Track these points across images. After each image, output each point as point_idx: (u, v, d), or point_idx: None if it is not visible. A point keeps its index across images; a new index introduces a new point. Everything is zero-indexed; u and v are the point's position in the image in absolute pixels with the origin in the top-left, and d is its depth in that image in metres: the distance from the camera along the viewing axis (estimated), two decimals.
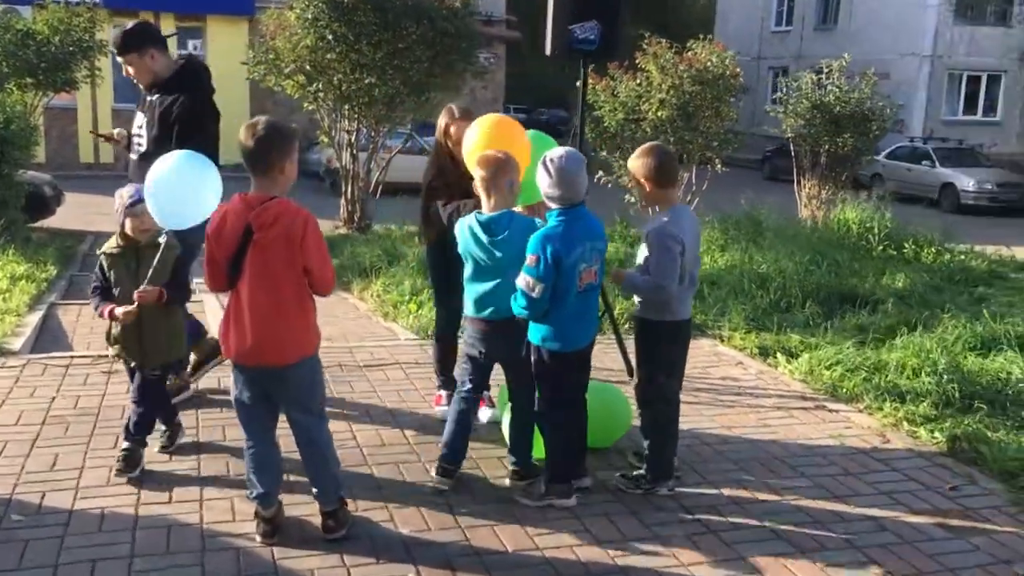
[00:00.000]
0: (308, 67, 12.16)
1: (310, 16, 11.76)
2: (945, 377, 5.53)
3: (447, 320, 5.12)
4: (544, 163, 3.88)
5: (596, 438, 4.48)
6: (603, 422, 4.54)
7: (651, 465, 4.17)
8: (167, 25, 21.57)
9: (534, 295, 3.81)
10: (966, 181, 21.73)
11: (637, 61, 13.15)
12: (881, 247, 10.63)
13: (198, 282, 4.27)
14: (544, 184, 3.89)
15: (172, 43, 6.41)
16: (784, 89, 15.49)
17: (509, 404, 4.31)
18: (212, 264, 3.49)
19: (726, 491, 4.16)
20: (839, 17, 31.60)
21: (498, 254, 3.95)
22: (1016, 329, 6.72)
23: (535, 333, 3.97)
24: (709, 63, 12.69)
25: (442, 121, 4.83)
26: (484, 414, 4.93)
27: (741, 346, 6.66)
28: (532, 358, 4.01)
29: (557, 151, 3.93)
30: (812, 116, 15.18)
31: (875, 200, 12.26)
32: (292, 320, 3.46)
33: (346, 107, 12.74)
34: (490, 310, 4.04)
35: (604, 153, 13.25)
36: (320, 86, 12.24)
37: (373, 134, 13.08)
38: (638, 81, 12.67)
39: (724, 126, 13.92)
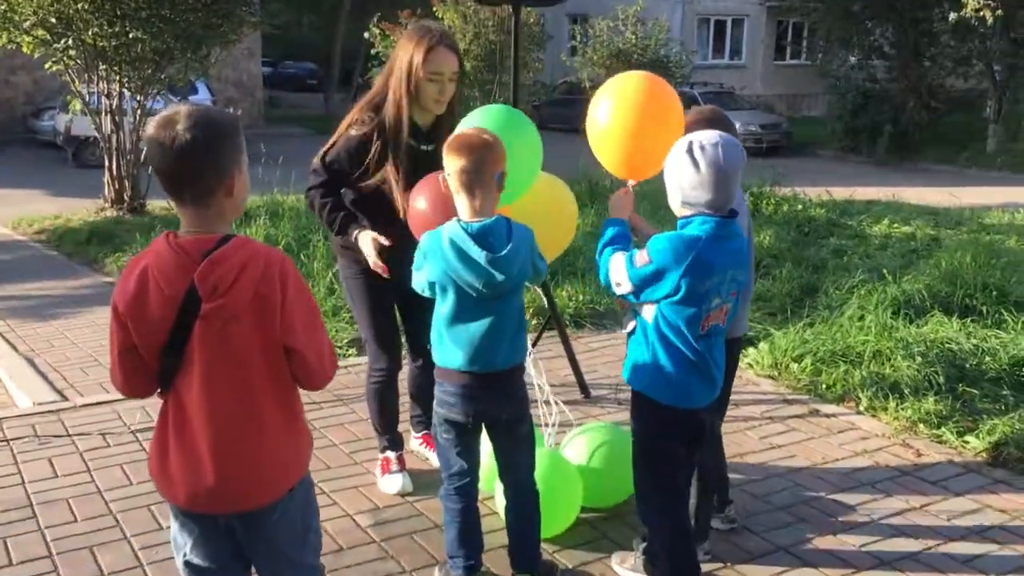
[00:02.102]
0: (52, 20, 9.90)
1: None
2: (919, 359, 4.99)
3: (390, 370, 3.82)
4: (691, 150, 2.65)
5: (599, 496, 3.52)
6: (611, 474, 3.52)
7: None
8: None
9: (616, 291, 2.78)
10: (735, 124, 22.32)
11: (435, 9, 12.01)
12: None
13: None
14: (684, 179, 2.67)
15: None
16: (580, 38, 14.88)
17: (500, 484, 3.17)
18: (128, 357, 2.07)
19: (798, 552, 3.27)
20: None
21: (499, 277, 2.74)
22: (929, 287, 6.39)
23: (636, 374, 2.82)
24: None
25: (409, 51, 3.38)
26: (392, 483, 3.80)
27: None
28: (631, 413, 2.93)
29: (707, 135, 2.66)
30: (611, 64, 14.71)
31: None
32: (277, 436, 2.12)
33: (103, 66, 10.58)
34: (482, 361, 2.85)
35: None
36: (69, 42, 10.02)
37: (140, 97, 10.99)
38: None
39: (530, 77, 13.14)
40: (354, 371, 5.25)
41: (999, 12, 17.74)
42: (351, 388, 4.96)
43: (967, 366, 5.18)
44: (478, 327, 2.83)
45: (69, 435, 4.35)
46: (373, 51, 12.75)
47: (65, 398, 4.94)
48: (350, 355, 5.52)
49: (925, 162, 20.30)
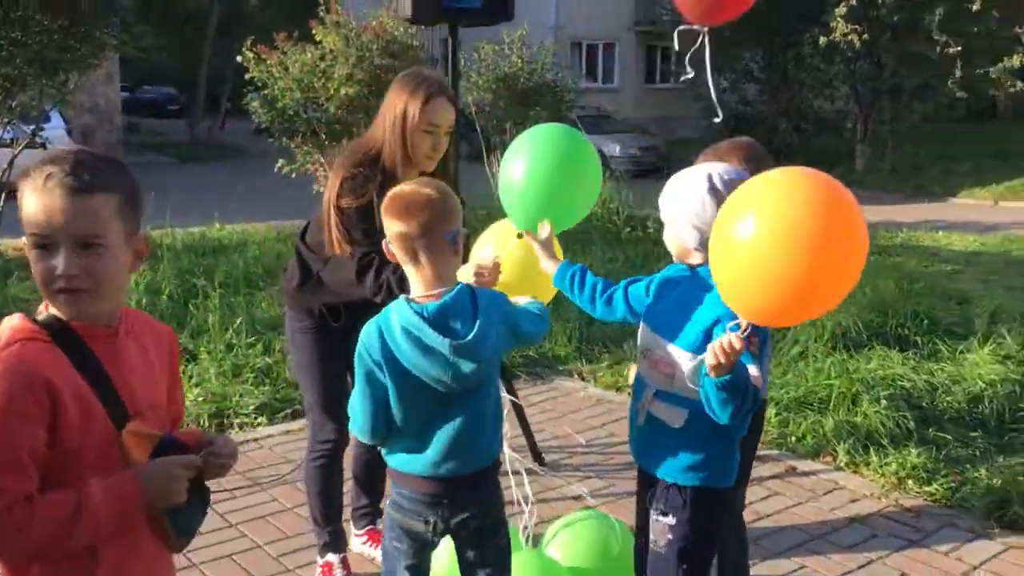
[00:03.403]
0: None
1: None
2: (884, 403, 4.69)
3: (337, 444, 3.21)
4: (713, 186, 2.33)
5: None
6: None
7: None
8: None
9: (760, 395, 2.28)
10: (612, 147, 22.33)
11: (313, 31, 11.36)
12: (628, 229, 9.94)
13: None
14: (706, 218, 2.30)
15: None
16: (465, 62, 14.42)
17: None
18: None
19: None
20: None
21: (467, 368, 2.17)
22: (861, 317, 6.17)
23: (687, 468, 2.40)
24: (397, 33, 11.26)
25: (403, 100, 2.89)
26: None
27: (612, 383, 5.40)
28: (673, 517, 2.42)
29: (720, 166, 2.40)
30: (498, 89, 14.34)
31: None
32: None
33: None
34: (454, 463, 2.27)
35: (285, 140, 11.35)
36: None
37: None
38: (320, 54, 10.89)
39: None
40: (266, 444, 4.56)
41: (865, 36, 18.33)
42: (265, 467, 4.28)
43: (924, 405, 4.94)
44: (449, 429, 2.24)
45: None
46: (248, 75, 11.93)
47: None
48: (259, 424, 4.82)
49: None
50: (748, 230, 1.94)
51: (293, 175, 11.39)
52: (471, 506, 2.31)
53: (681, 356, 2.37)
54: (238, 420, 4.80)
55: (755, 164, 2.59)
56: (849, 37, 18.01)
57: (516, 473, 3.37)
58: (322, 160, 11.46)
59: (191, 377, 5.19)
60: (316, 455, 3.24)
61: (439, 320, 2.17)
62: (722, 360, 2.06)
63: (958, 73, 18.35)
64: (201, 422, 4.74)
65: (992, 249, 10.71)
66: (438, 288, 2.21)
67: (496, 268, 2.69)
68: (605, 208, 10.37)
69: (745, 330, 2.05)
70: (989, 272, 9.12)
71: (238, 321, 5.81)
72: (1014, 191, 18.24)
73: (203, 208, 11.03)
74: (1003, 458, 4.32)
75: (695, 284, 2.39)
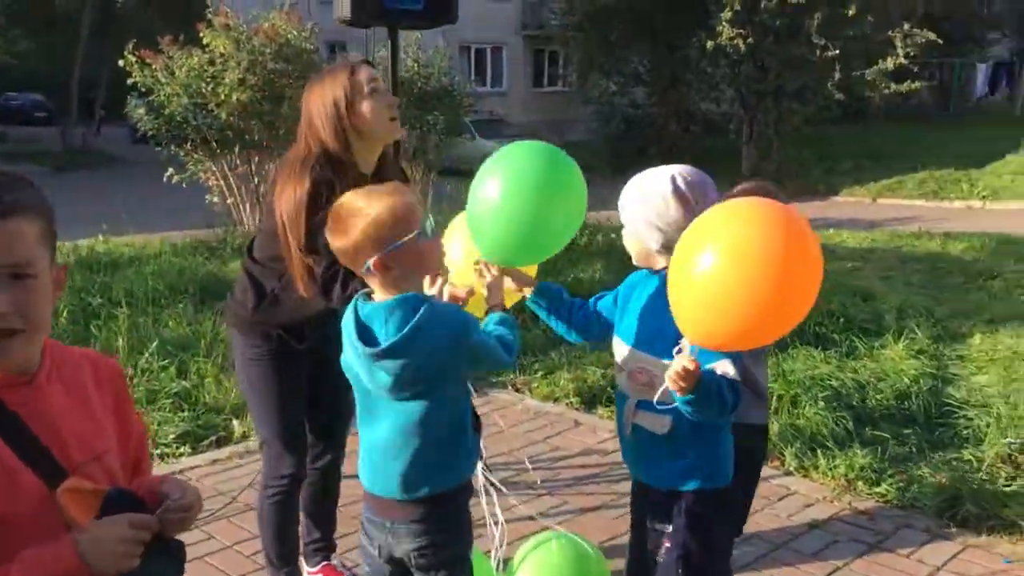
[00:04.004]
0: None
1: None
2: (821, 403, 4.73)
3: (295, 479, 3.00)
4: (676, 187, 2.29)
5: None
6: None
7: None
8: None
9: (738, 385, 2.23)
10: None
11: (201, 34, 10.93)
12: None
13: None
14: (669, 219, 2.30)
15: None
16: None
17: None
18: None
19: None
20: None
21: (381, 378, 2.07)
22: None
23: (680, 473, 2.35)
24: (290, 36, 10.95)
25: (331, 86, 2.68)
26: None
27: (548, 393, 5.29)
28: (671, 524, 2.37)
29: (681, 167, 2.36)
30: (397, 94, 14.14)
31: None
32: None
33: None
34: (382, 483, 2.18)
35: (174, 148, 10.90)
36: None
37: None
38: (208, 58, 10.49)
39: None
40: (194, 476, 4.26)
41: (750, 40, 18.84)
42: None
43: (855, 404, 5.02)
44: (375, 435, 2.19)
45: None
46: (130, 81, 11.39)
47: None
48: (182, 455, 4.50)
49: None
50: (708, 257, 1.94)
51: (184, 184, 10.99)
52: (403, 538, 2.17)
53: (656, 364, 2.31)
54: (158, 451, 4.47)
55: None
56: (735, 41, 18.47)
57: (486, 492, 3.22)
58: (214, 168, 11.05)
59: None
60: (273, 491, 3.02)
61: (367, 320, 2.10)
62: (682, 384, 2.04)
63: (837, 76, 19.08)
64: None
65: (884, 246, 11.10)
66: (395, 292, 2.11)
67: (469, 299, 2.57)
68: None
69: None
70: (886, 268, 9.43)
71: (152, 345, 5.44)
72: (891, 189, 19.11)
73: (85, 220, 10.46)
74: (939, 454, 4.41)
75: (660, 290, 2.30)
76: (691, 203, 2.27)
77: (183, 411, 4.84)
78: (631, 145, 21.97)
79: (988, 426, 4.62)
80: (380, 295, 2.12)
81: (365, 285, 2.36)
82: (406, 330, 2.02)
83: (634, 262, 2.47)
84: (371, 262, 2.05)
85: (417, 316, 2.04)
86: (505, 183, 2.55)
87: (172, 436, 4.58)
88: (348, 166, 2.70)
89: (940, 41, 19.04)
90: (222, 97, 10.32)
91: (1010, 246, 10.72)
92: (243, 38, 10.84)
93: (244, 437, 4.67)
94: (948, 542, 3.58)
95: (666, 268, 2.24)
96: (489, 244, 2.60)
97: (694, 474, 2.34)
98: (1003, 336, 6.50)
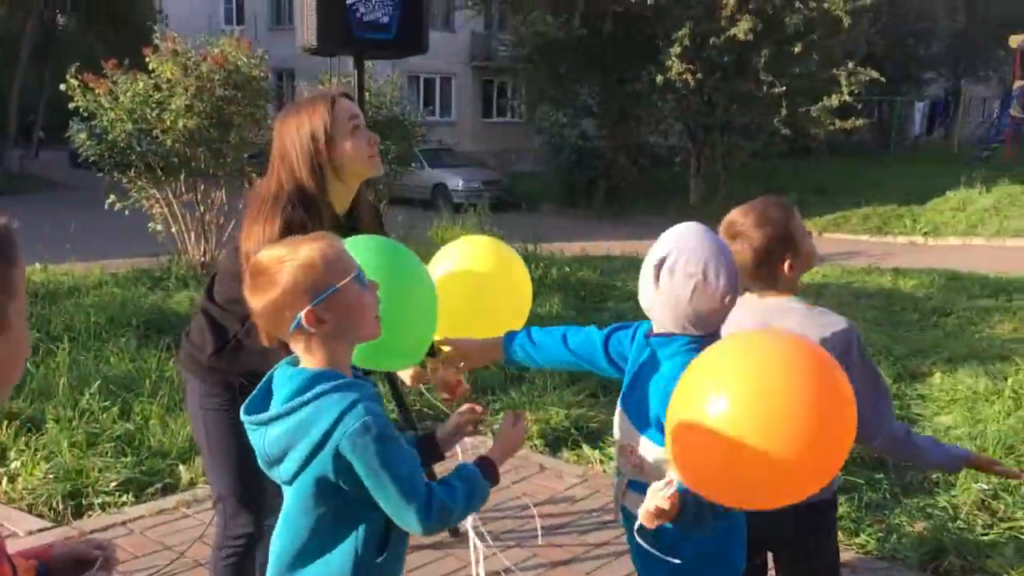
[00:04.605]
0: None
1: None
2: None
3: (253, 537, 2.77)
4: (706, 272, 2.02)
5: None
6: None
7: None
8: None
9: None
10: (455, 181, 22.25)
11: (147, 59, 10.69)
12: None
13: None
14: (704, 304, 2.04)
15: None
16: (309, 94, 14.01)
17: None
18: None
19: None
20: (293, 17, 30.66)
21: (264, 450, 1.83)
22: None
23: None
24: (240, 63, 10.76)
25: (305, 121, 2.50)
26: None
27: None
28: None
29: (686, 255, 2.03)
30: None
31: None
32: None
33: None
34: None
35: (117, 174, 10.60)
36: None
37: None
38: (154, 84, 10.25)
39: (262, 136, 12.09)
40: (137, 528, 3.99)
41: (699, 75, 19.06)
42: (140, 556, 3.72)
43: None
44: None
45: None
46: (72, 105, 11.11)
47: None
48: (124, 504, 4.22)
49: (638, 215, 21.28)
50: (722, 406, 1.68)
51: (127, 212, 10.70)
52: None
53: (644, 445, 2.11)
54: (99, 500, 4.18)
55: (779, 230, 2.40)
56: (684, 76, 18.66)
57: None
58: (158, 196, 10.75)
59: (37, 451, 4.52)
60: (228, 551, 2.78)
61: (266, 386, 1.89)
62: (657, 522, 1.85)
63: (783, 112, 19.37)
64: (54, 504, 4.11)
65: (835, 281, 11.17)
66: (315, 366, 1.84)
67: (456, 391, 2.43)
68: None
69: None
70: (840, 304, 9.44)
71: (95, 384, 5.14)
72: (836, 223, 19.39)
73: (22, 248, 10.08)
74: (914, 499, 4.33)
75: (655, 350, 2.13)
76: (720, 285, 2.02)
77: (125, 456, 4.56)
78: (581, 177, 22.03)
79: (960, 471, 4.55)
80: (308, 362, 1.84)
81: None
82: (296, 407, 1.77)
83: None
84: (302, 315, 1.77)
85: (318, 395, 1.76)
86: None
87: (114, 483, 4.29)
88: (322, 205, 2.52)
89: (883, 80, 19.47)
90: (168, 123, 10.10)
91: (958, 282, 10.87)
92: (191, 64, 10.63)
93: (192, 484, 4.40)
94: None
95: (663, 335, 2.09)
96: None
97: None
98: (963, 375, 6.48)
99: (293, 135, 2.51)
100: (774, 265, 2.43)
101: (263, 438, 1.82)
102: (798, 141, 21.75)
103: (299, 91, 13.63)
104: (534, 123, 24.50)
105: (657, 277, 2.03)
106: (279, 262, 1.79)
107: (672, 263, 2.04)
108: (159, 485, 4.37)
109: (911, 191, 20.65)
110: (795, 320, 2.43)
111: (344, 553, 1.84)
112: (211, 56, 10.50)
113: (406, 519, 1.77)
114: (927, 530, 3.87)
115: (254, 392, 1.91)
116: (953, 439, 5.13)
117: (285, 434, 1.77)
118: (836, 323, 2.44)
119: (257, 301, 1.83)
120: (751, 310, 2.40)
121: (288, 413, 1.77)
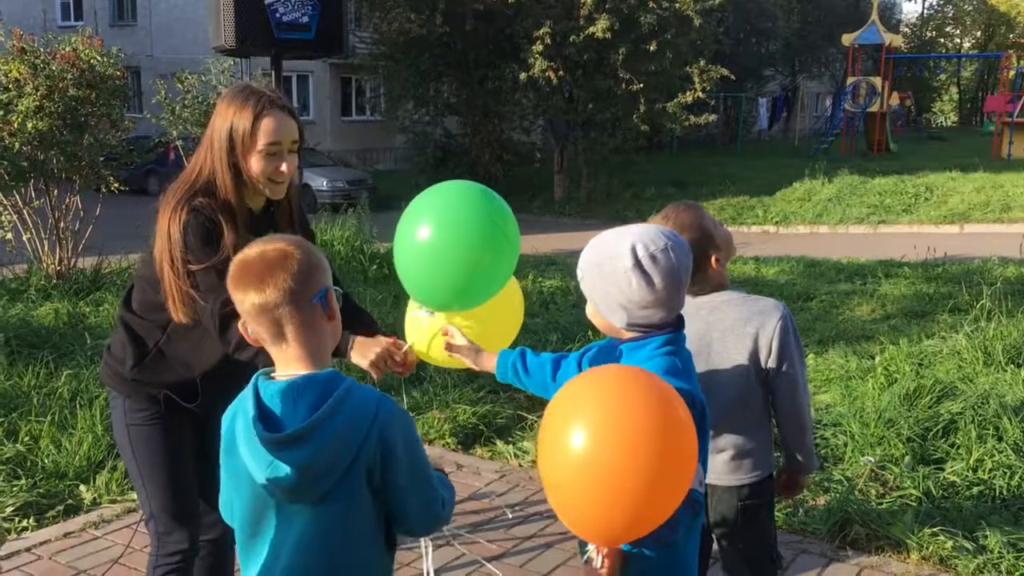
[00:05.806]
0: None
1: None
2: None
3: (188, 554, 2.69)
4: (639, 263, 1.98)
5: None
6: None
7: None
8: None
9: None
10: (320, 181, 21.84)
11: None
12: (375, 266, 9.61)
13: None
14: (633, 298, 2.00)
15: None
16: (165, 93, 13.55)
17: None
18: None
19: None
20: (137, 14, 29.41)
21: (284, 471, 1.72)
22: None
23: None
24: (94, 61, 10.29)
25: (228, 119, 2.45)
26: None
27: (422, 435, 5.08)
28: None
29: (651, 235, 2.03)
30: (207, 122, 13.56)
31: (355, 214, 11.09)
32: None
33: None
34: None
35: None
36: None
37: None
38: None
39: (119, 136, 11.58)
40: (44, 552, 3.79)
41: (561, 73, 19.41)
42: None
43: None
44: (271, 549, 1.83)
45: None
46: None
47: None
48: (25, 528, 3.99)
49: None
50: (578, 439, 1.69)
51: None
52: None
53: None
54: None
55: (698, 232, 2.49)
56: (547, 73, 18.96)
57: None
58: (6, 203, 10.13)
59: None
60: (164, 570, 2.69)
61: (272, 401, 1.76)
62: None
63: (642, 108, 19.98)
64: None
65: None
66: (309, 369, 1.80)
67: (408, 360, 2.44)
68: (348, 245, 9.99)
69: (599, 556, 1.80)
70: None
71: None
72: None
73: None
74: (813, 475, 4.57)
75: (627, 356, 2.09)
76: (654, 282, 1.99)
77: (19, 479, 4.31)
78: (447, 174, 22.04)
79: (846, 445, 4.85)
80: (289, 369, 1.81)
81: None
82: (329, 415, 1.71)
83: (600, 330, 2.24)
84: (324, 292, 1.80)
85: (343, 401, 1.73)
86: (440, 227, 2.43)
87: (11, 508, 4.05)
88: (236, 204, 2.49)
89: (733, 77, 20.36)
90: (15, 126, 9.54)
91: (816, 268, 11.49)
92: (39, 62, 10.08)
93: (95, 504, 4.20)
94: (844, 565, 3.70)
95: (633, 341, 2.08)
96: (425, 290, 2.48)
97: None
98: (834, 355, 6.89)
99: (221, 122, 2.48)
100: (701, 265, 2.49)
101: (288, 456, 1.72)
102: (655, 136, 22.49)
103: (185, 86, 13.03)
104: (396, 121, 24.36)
105: (640, 270, 2.05)
106: (284, 258, 1.79)
107: (594, 262, 2.09)
108: (60, 508, 4.15)
109: (761, 183, 21.67)
110: (734, 312, 2.55)
111: (381, 553, 1.86)
112: (61, 54, 10.00)
113: (432, 506, 1.82)
114: (829, 503, 4.11)
115: (233, 420, 1.82)
116: (835, 416, 5.45)
117: (333, 439, 1.72)
118: (770, 308, 2.55)
119: (254, 297, 1.78)
120: (692, 312, 2.42)
121: (329, 416, 1.72)
